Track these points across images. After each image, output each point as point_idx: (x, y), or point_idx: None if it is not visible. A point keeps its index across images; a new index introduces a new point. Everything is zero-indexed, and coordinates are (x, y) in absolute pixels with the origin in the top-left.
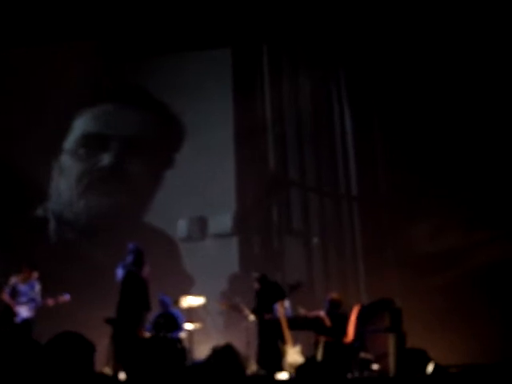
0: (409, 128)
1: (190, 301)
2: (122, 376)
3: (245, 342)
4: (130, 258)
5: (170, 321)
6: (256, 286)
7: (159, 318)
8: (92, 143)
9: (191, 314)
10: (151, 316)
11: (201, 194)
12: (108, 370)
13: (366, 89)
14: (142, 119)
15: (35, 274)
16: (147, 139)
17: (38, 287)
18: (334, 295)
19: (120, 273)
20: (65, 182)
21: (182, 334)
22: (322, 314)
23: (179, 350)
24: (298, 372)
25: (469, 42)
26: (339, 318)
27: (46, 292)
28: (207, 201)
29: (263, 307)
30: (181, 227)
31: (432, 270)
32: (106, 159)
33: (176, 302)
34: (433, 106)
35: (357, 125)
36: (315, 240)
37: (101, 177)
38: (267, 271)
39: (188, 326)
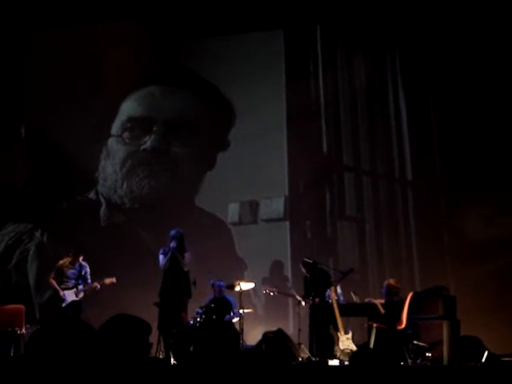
0: (465, 111)
1: (241, 286)
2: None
3: (296, 328)
4: (172, 244)
5: (223, 305)
6: (305, 272)
7: (211, 303)
8: (136, 126)
9: (242, 298)
10: (204, 300)
11: (252, 178)
12: (159, 354)
13: (421, 71)
14: (187, 101)
15: (82, 258)
16: (193, 121)
17: (86, 270)
18: (392, 281)
19: (162, 259)
20: (110, 166)
21: (234, 319)
22: (375, 300)
23: (234, 333)
24: (352, 359)
25: None
26: (394, 305)
27: (95, 275)
28: (259, 185)
29: (314, 293)
30: (232, 211)
31: (487, 256)
32: (149, 142)
33: (229, 286)
34: (491, 88)
35: (412, 107)
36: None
37: (144, 160)
38: (319, 257)
39: (240, 311)
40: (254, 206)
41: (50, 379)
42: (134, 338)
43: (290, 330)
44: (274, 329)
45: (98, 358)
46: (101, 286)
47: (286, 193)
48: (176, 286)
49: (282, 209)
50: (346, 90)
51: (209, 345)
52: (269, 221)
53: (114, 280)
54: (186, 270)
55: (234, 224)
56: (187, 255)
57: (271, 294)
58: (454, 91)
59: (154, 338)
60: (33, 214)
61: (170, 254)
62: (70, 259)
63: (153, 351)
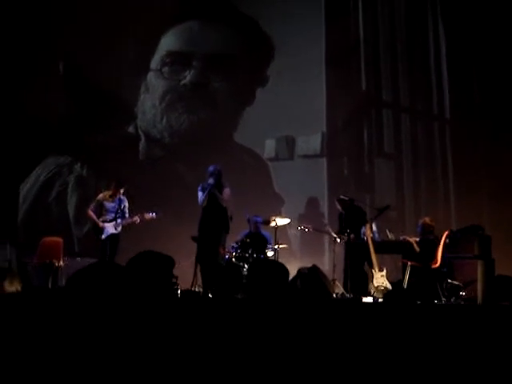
0: (506, 50)
1: (277, 221)
2: (208, 294)
3: (331, 264)
4: (210, 181)
5: (259, 240)
6: (341, 208)
7: (246, 238)
8: (175, 61)
9: (278, 234)
10: (240, 235)
11: (290, 113)
12: (195, 288)
13: (461, 7)
14: (227, 36)
15: (122, 191)
16: (233, 56)
17: (125, 204)
18: (427, 220)
19: (201, 195)
20: (149, 100)
21: (270, 254)
22: (410, 238)
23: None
24: (386, 297)
25: None
26: (429, 243)
27: (135, 208)
28: (296, 121)
29: (350, 230)
30: (268, 147)
31: None
32: (188, 77)
33: (265, 222)
34: None
35: (451, 45)
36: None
37: (183, 94)
38: (356, 193)
39: (275, 246)
40: (290, 142)
41: (86, 315)
42: (157, 273)
43: (325, 266)
44: (309, 265)
45: (126, 295)
46: (140, 220)
47: (324, 129)
48: (214, 222)
49: (318, 145)
50: (385, 27)
51: (260, 282)
52: (305, 157)
53: (154, 215)
54: (224, 205)
55: (271, 160)
56: (226, 191)
57: (306, 230)
58: (496, 29)
59: (190, 271)
60: (72, 147)
61: (208, 191)
62: (110, 193)
63: (189, 285)
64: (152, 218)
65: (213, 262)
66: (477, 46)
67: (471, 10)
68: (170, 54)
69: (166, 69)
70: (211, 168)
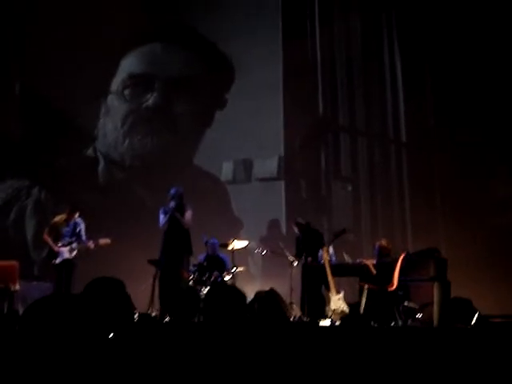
0: (460, 73)
1: (234, 244)
2: (166, 317)
3: (288, 287)
4: (171, 204)
5: (216, 263)
6: (298, 231)
7: (204, 261)
8: (137, 84)
9: (239, 257)
10: (198, 258)
11: (247, 136)
12: (152, 311)
13: (416, 32)
14: (188, 59)
15: (77, 215)
16: (194, 79)
17: (81, 227)
18: (384, 242)
19: (162, 218)
20: (110, 123)
21: (227, 278)
22: (367, 261)
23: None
24: (343, 320)
25: None
26: (385, 266)
27: (92, 231)
28: (254, 143)
29: (307, 253)
30: (226, 169)
31: (478, 218)
32: (151, 100)
33: (223, 244)
34: (485, 49)
35: (407, 68)
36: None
37: (146, 117)
38: (314, 216)
39: (233, 269)
40: (247, 165)
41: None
42: (112, 299)
43: (283, 289)
44: (267, 288)
45: (82, 325)
46: (95, 245)
47: (281, 152)
48: (176, 245)
49: (275, 168)
50: (342, 50)
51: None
52: (263, 180)
53: (108, 241)
54: (186, 228)
55: (228, 182)
56: (187, 213)
57: (263, 253)
58: (450, 52)
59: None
60: (30, 170)
61: (169, 214)
62: (65, 216)
63: (145, 308)
64: (107, 244)
65: (174, 285)
66: (432, 69)
67: (427, 34)
68: (132, 76)
69: (127, 91)
70: (172, 191)
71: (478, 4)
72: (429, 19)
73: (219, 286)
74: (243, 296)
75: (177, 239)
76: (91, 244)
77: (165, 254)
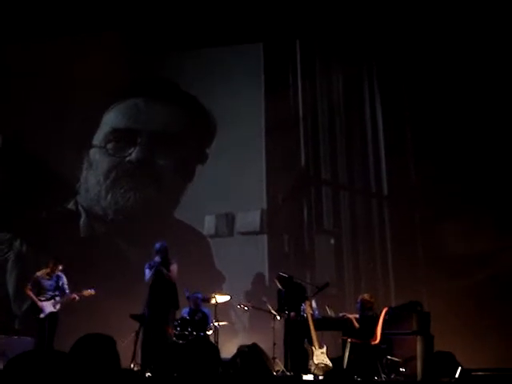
0: (441, 127)
1: (217, 298)
2: (148, 373)
3: (271, 342)
4: (157, 258)
5: (199, 318)
6: (280, 286)
7: (187, 316)
8: (120, 138)
9: (222, 311)
10: (181, 312)
11: (230, 190)
12: (134, 366)
13: (398, 85)
14: (171, 114)
15: (59, 268)
16: (177, 134)
17: (63, 280)
18: (366, 296)
19: (148, 273)
20: (93, 177)
21: (209, 332)
22: (349, 315)
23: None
24: (326, 375)
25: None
26: (368, 320)
27: (74, 285)
28: (236, 197)
29: (289, 307)
30: (208, 223)
31: (461, 272)
32: (134, 154)
33: (205, 299)
34: (467, 103)
35: (388, 122)
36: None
37: (129, 171)
38: (296, 270)
39: (215, 324)
40: (230, 219)
41: None
42: (101, 358)
43: (265, 343)
44: (250, 342)
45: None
46: (79, 297)
47: (264, 206)
48: (161, 300)
49: (258, 222)
50: (324, 104)
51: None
52: (245, 234)
53: (92, 292)
54: (172, 282)
55: (211, 236)
56: (173, 267)
57: (246, 308)
58: (431, 106)
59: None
60: (11, 223)
61: (154, 269)
62: (47, 270)
63: (128, 362)
64: (91, 294)
65: (157, 340)
66: (413, 123)
67: (407, 88)
68: (114, 130)
69: (110, 145)
70: (157, 245)
71: (459, 56)
72: (409, 72)
73: (192, 341)
74: (215, 348)
75: (163, 293)
76: (75, 295)
77: (150, 309)
